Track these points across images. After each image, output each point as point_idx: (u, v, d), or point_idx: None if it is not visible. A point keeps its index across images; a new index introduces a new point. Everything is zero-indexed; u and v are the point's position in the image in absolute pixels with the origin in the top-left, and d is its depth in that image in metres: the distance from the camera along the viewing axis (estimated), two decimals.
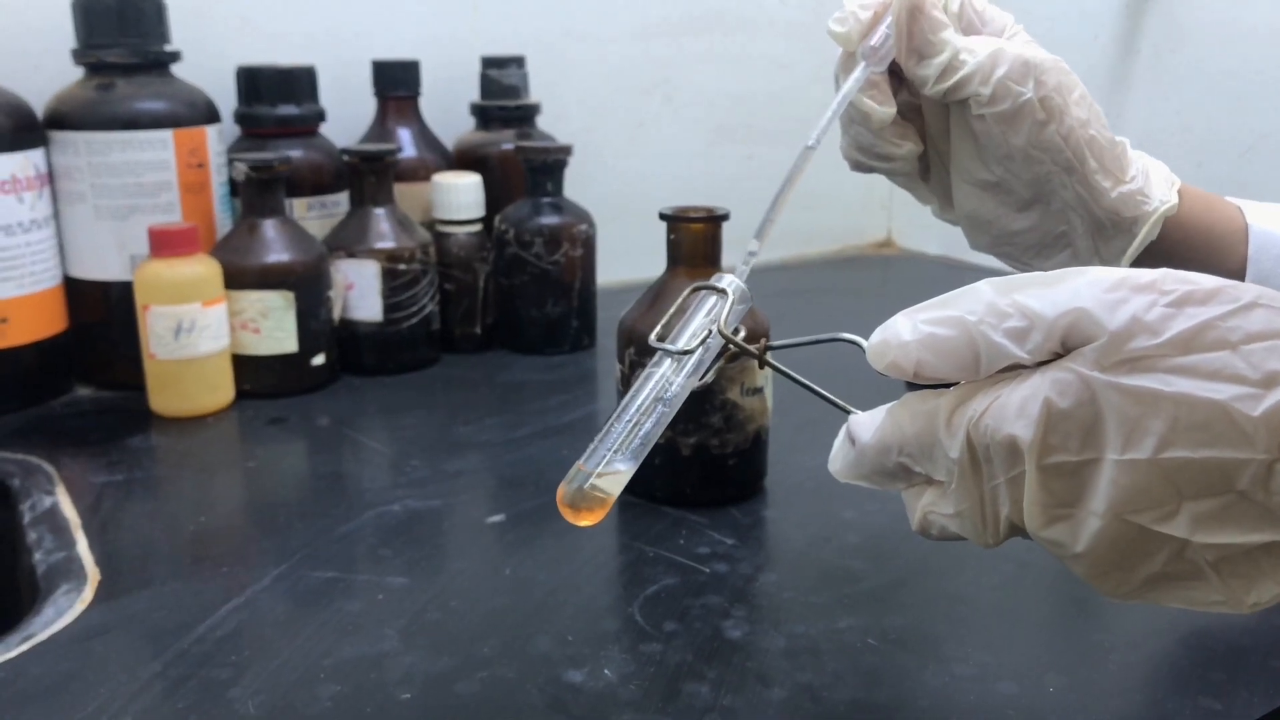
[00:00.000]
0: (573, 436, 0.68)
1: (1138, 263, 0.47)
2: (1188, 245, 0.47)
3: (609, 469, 0.33)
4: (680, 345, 0.35)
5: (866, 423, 0.32)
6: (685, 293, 0.37)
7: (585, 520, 0.32)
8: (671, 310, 0.36)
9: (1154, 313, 0.26)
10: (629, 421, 0.33)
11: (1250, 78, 0.88)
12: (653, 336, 0.35)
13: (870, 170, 0.50)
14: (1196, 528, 0.26)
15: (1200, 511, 0.26)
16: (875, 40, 0.45)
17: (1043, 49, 0.46)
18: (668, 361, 0.35)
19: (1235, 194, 0.51)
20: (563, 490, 0.33)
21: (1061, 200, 0.46)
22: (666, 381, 0.34)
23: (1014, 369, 0.28)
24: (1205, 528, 0.26)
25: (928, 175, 0.50)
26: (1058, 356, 0.27)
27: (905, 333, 0.29)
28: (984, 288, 0.28)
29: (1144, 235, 0.47)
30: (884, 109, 0.46)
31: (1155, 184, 0.47)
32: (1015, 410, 0.27)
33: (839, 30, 0.46)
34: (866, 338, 0.33)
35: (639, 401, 0.34)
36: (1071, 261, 0.48)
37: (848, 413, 0.33)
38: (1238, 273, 0.47)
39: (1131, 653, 0.44)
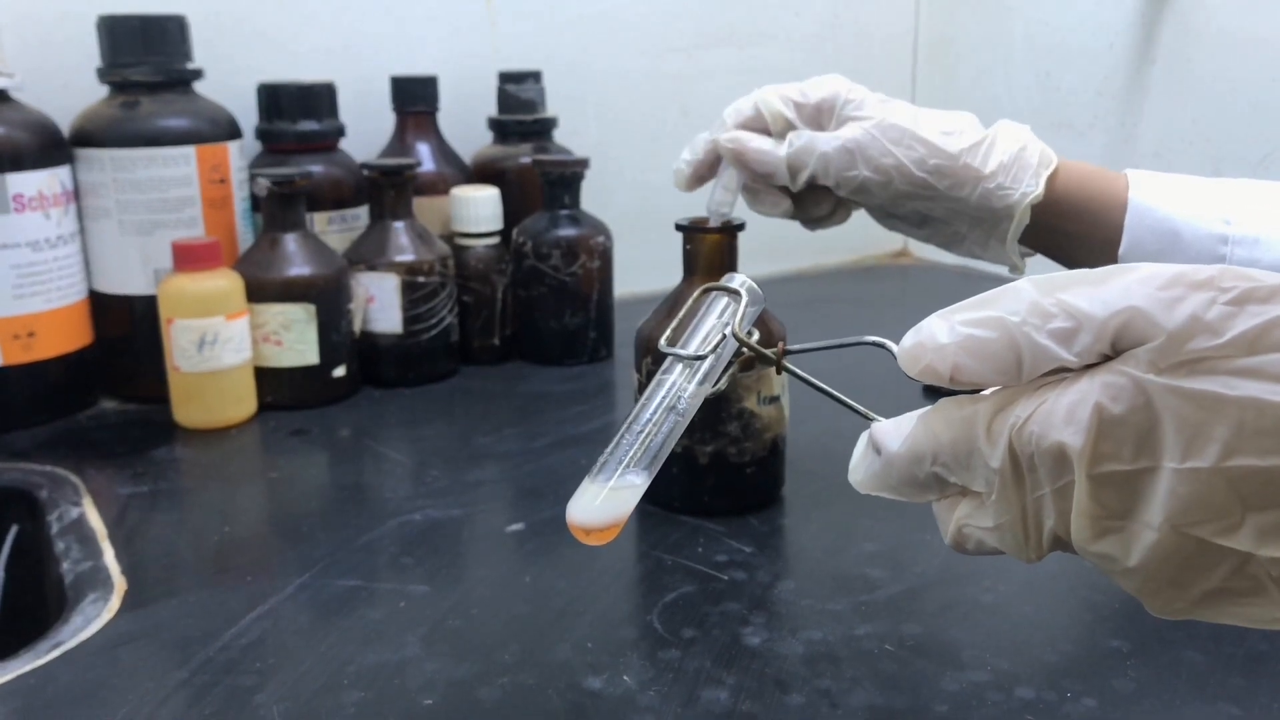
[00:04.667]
0: (591, 446, 0.69)
1: (1025, 240, 0.57)
2: (1065, 218, 0.55)
3: (621, 484, 0.31)
4: (692, 350, 0.33)
5: (893, 431, 0.30)
6: (695, 294, 0.35)
7: (595, 540, 0.30)
8: (681, 314, 0.35)
9: (1214, 311, 0.24)
10: (640, 433, 0.31)
11: (1266, 86, 0.88)
12: (663, 341, 0.34)
13: (820, 229, 0.63)
14: (1262, 541, 0.24)
15: (1266, 524, 0.24)
16: (716, 201, 0.59)
17: (869, 101, 0.56)
18: (679, 368, 0.33)
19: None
20: (571, 507, 0.31)
21: (938, 215, 0.57)
22: (679, 389, 0.32)
23: (1057, 373, 0.26)
24: (1272, 541, 0.24)
25: (847, 215, 0.61)
26: (1106, 359, 0.26)
27: (941, 335, 0.27)
28: (1025, 286, 0.27)
29: (1017, 222, 0.55)
30: (782, 208, 0.60)
31: (1022, 172, 0.55)
32: (1063, 416, 0.25)
33: (676, 183, 0.61)
34: (885, 351, 0.33)
35: (650, 411, 0.32)
36: (974, 249, 0.59)
37: (869, 420, 0.31)
38: (1113, 241, 0.53)
39: (1149, 658, 0.44)
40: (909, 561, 0.53)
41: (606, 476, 0.31)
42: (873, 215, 0.60)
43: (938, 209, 0.57)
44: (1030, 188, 0.54)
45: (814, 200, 0.59)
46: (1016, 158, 0.55)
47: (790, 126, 0.58)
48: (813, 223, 0.61)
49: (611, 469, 0.31)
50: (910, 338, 0.28)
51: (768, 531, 0.56)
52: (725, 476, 0.57)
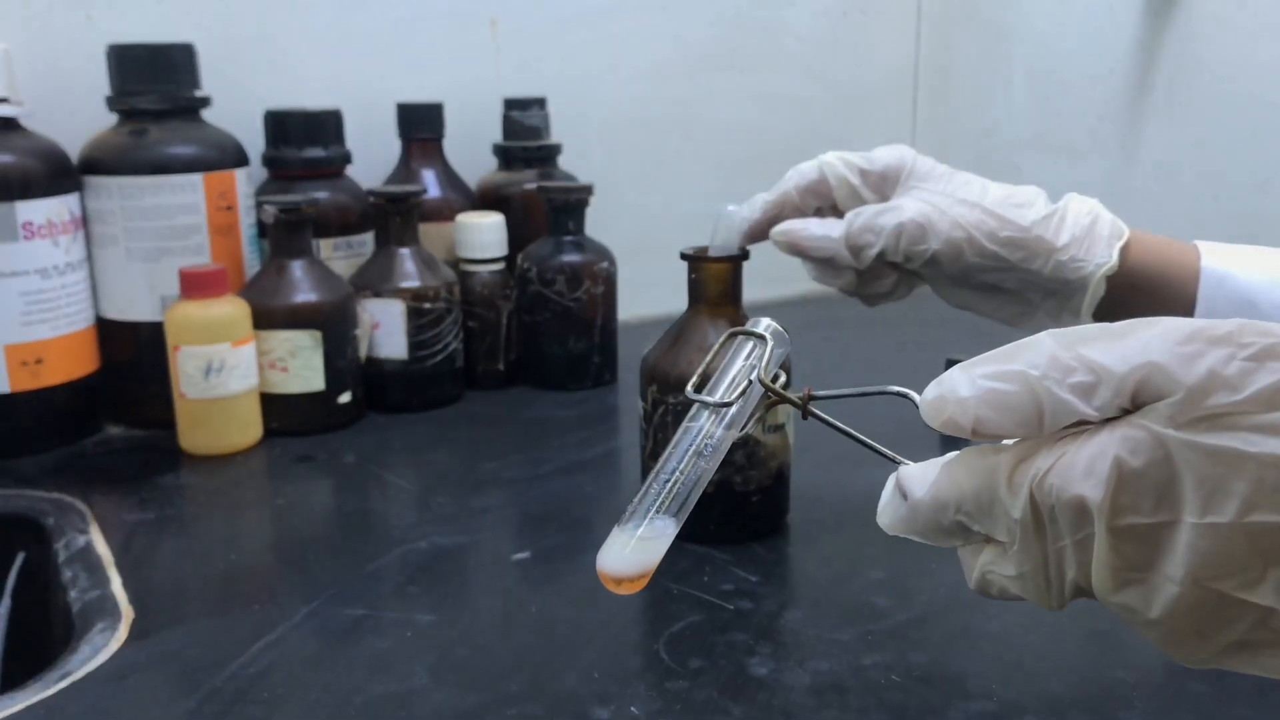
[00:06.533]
0: (596, 472, 0.69)
1: (1098, 313, 0.55)
2: (1138, 290, 0.54)
3: (650, 533, 0.31)
4: (719, 396, 0.33)
5: (919, 477, 0.30)
6: (721, 338, 0.36)
7: (626, 590, 0.31)
8: (708, 358, 0.35)
9: (1233, 367, 0.24)
10: (667, 481, 0.32)
11: (1266, 111, 0.88)
12: (689, 388, 0.34)
13: (879, 304, 0.61)
14: None
15: None
16: (717, 249, 0.57)
17: (937, 171, 0.56)
18: (706, 413, 0.33)
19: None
20: (601, 557, 0.31)
21: (1010, 286, 0.56)
22: (706, 435, 0.33)
23: (1077, 425, 0.27)
24: None
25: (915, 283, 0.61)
26: (1126, 413, 0.26)
27: (963, 388, 0.28)
28: (1046, 340, 0.27)
29: (1091, 294, 0.54)
30: (843, 280, 0.58)
31: (1095, 244, 0.54)
32: (1083, 469, 0.26)
33: (718, 241, 0.57)
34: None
35: (677, 459, 0.32)
36: (1045, 322, 0.57)
37: (896, 463, 0.32)
38: (1187, 311, 0.53)
39: (1155, 689, 0.44)
40: (915, 590, 0.53)
41: (636, 525, 0.31)
42: (938, 289, 0.59)
43: (1010, 280, 0.55)
44: (1104, 258, 0.54)
45: (875, 276, 0.58)
46: (1089, 230, 0.54)
47: (855, 193, 0.57)
48: (874, 299, 0.60)
49: (640, 517, 0.31)
50: (932, 390, 0.29)
51: (774, 560, 0.56)
52: (731, 505, 0.57)
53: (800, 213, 0.58)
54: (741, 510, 0.58)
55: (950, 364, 0.29)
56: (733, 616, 0.50)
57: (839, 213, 0.58)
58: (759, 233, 0.59)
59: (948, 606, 0.51)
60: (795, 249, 0.57)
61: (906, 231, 0.54)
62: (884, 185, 0.57)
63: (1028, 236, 0.54)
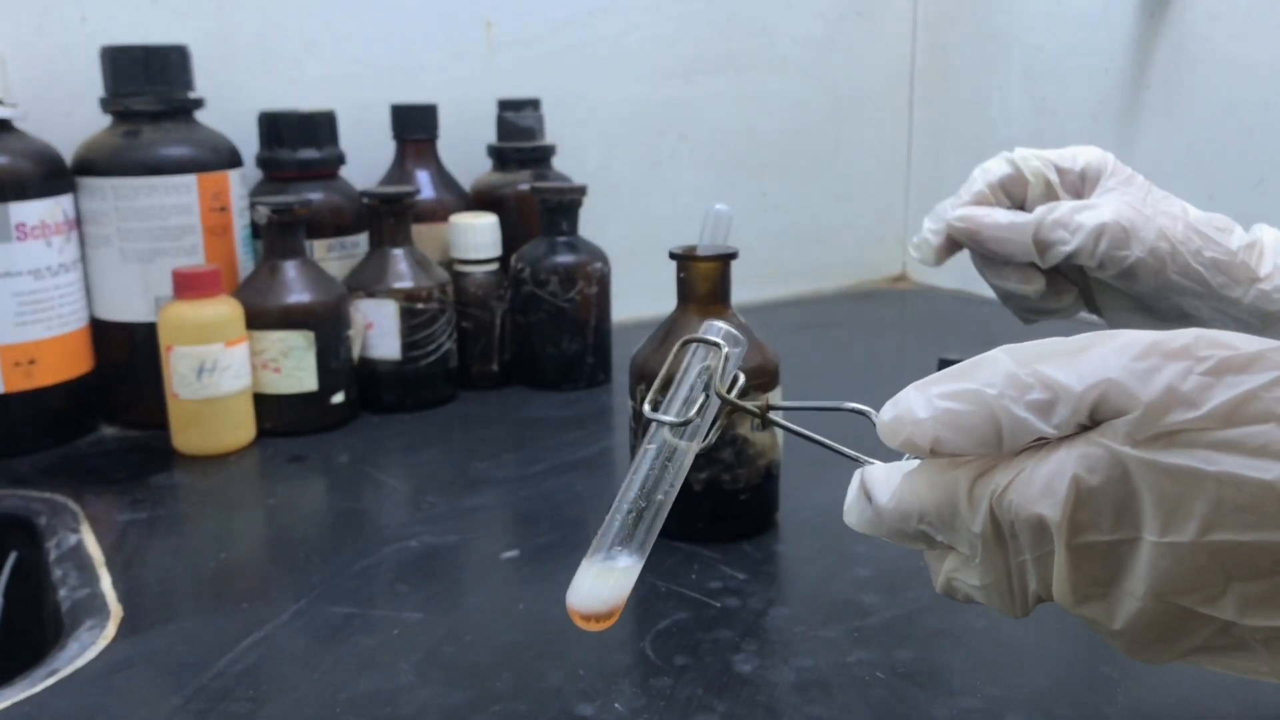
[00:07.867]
0: (588, 472, 0.69)
1: None
2: None
3: (616, 566, 0.31)
4: (676, 410, 0.33)
5: (883, 482, 0.30)
6: (675, 348, 0.35)
7: (595, 626, 0.31)
8: (662, 371, 0.35)
9: (1190, 382, 0.24)
10: (629, 512, 0.32)
11: (1260, 110, 0.88)
12: (646, 405, 0.34)
13: (1039, 321, 0.56)
14: (1244, 610, 0.24)
15: (1249, 594, 0.24)
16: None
17: (1137, 179, 0.51)
18: (666, 430, 0.33)
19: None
20: (570, 595, 0.31)
21: (1203, 315, 0.50)
22: (665, 451, 0.32)
23: (1038, 441, 0.27)
24: (1254, 610, 0.24)
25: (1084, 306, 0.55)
26: (1084, 429, 0.26)
27: (920, 409, 0.27)
28: (1002, 358, 0.27)
29: None
30: (1034, 286, 0.52)
31: None
32: (1040, 488, 0.26)
33: (914, 256, 0.55)
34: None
35: (638, 487, 0.32)
36: None
37: (860, 463, 0.31)
38: None
39: (1139, 684, 0.44)
40: (902, 586, 0.53)
41: (603, 558, 0.31)
42: (1111, 313, 0.53)
43: (1204, 309, 0.50)
44: None
45: (1055, 288, 0.53)
46: None
47: (1051, 192, 0.52)
48: (1038, 313, 0.55)
49: (605, 551, 0.31)
50: (889, 410, 0.28)
51: (761, 558, 0.57)
52: (720, 503, 0.57)
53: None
54: (730, 508, 0.58)
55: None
56: (719, 614, 0.50)
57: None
58: (954, 243, 0.53)
59: (934, 603, 0.51)
60: (974, 238, 0.52)
61: (1109, 232, 0.49)
62: (1081, 187, 0.52)
63: (1233, 261, 0.49)
